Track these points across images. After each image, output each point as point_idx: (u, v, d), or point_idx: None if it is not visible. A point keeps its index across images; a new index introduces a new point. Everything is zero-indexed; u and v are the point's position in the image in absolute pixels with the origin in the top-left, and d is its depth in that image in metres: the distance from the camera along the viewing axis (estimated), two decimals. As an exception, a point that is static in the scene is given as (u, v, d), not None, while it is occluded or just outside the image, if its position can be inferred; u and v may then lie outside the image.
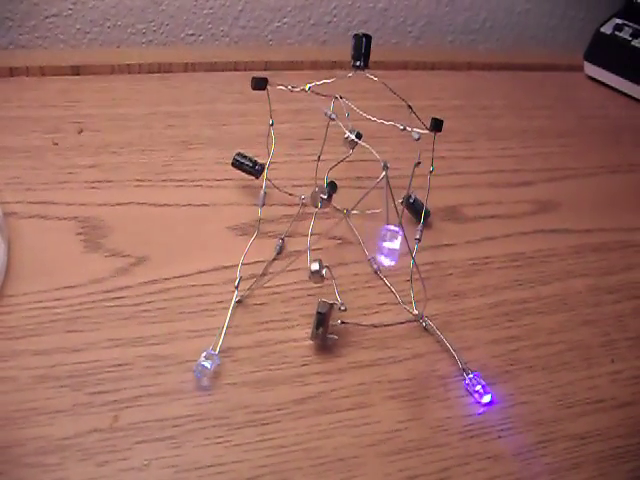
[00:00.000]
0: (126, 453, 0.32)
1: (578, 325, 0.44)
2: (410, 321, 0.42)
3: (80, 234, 0.44)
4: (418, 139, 0.41)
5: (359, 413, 0.36)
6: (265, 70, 0.67)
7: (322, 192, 0.41)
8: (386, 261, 0.30)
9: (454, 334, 0.42)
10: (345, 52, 0.41)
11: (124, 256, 0.43)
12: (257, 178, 0.48)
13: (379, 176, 0.39)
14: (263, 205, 0.42)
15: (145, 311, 0.39)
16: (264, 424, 0.35)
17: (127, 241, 0.44)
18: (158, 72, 0.61)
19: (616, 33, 0.75)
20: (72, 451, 0.32)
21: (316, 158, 0.50)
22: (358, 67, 0.42)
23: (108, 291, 0.40)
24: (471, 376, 0.38)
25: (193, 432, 0.34)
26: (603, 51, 0.77)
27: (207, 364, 0.36)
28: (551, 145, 0.64)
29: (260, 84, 0.42)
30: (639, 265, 0.50)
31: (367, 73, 0.43)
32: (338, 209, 0.49)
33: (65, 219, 0.44)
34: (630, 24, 0.75)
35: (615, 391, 0.40)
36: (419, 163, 0.36)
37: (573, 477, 0.35)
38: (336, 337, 0.39)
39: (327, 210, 0.50)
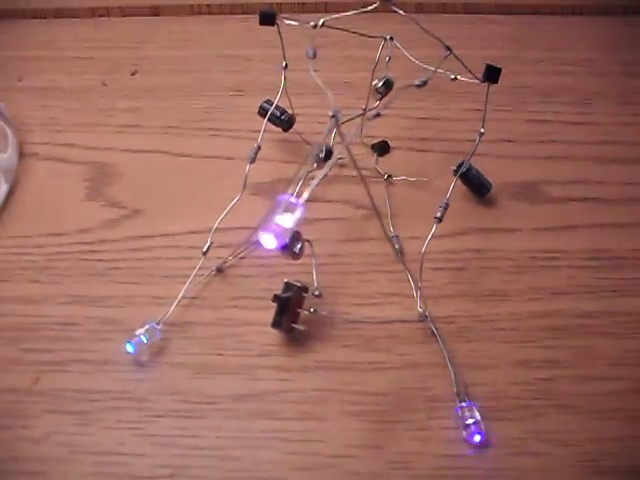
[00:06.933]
0: (29, 421, 0.30)
1: (657, 360, 0.32)
2: (410, 321, 0.33)
3: (87, 180, 0.41)
4: (454, 79, 0.33)
5: (303, 425, 0.30)
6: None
7: (320, 150, 0.34)
8: (268, 241, 0.23)
9: (470, 345, 0.33)
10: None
11: (120, 207, 0.40)
12: (285, 131, 0.42)
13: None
14: (253, 162, 0.35)
15: (114, 269, 0.36)
16: (188, 417, 0.30)
17: (131, 192, 0.41)
18: (241, 13, 0.56)
19: None
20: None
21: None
22: (386, -3, 0.34)
23: (89, 243, 0.38)
24: (463, 404, 0.29)
25: (106, 411, 0.30)
26: None
27: (143, 338, 0.32)
28: None
29: (268, 19, 0.36)
30: None
31: (393, 7, 0.34)
32: (380, 173, 0.41)
33: (79, 163, 0.42)
34: None
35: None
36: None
37: None
38: (303, 328, 0.32)
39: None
